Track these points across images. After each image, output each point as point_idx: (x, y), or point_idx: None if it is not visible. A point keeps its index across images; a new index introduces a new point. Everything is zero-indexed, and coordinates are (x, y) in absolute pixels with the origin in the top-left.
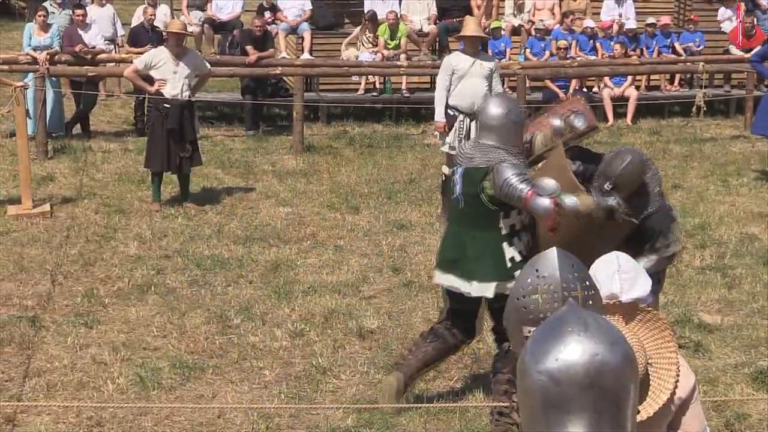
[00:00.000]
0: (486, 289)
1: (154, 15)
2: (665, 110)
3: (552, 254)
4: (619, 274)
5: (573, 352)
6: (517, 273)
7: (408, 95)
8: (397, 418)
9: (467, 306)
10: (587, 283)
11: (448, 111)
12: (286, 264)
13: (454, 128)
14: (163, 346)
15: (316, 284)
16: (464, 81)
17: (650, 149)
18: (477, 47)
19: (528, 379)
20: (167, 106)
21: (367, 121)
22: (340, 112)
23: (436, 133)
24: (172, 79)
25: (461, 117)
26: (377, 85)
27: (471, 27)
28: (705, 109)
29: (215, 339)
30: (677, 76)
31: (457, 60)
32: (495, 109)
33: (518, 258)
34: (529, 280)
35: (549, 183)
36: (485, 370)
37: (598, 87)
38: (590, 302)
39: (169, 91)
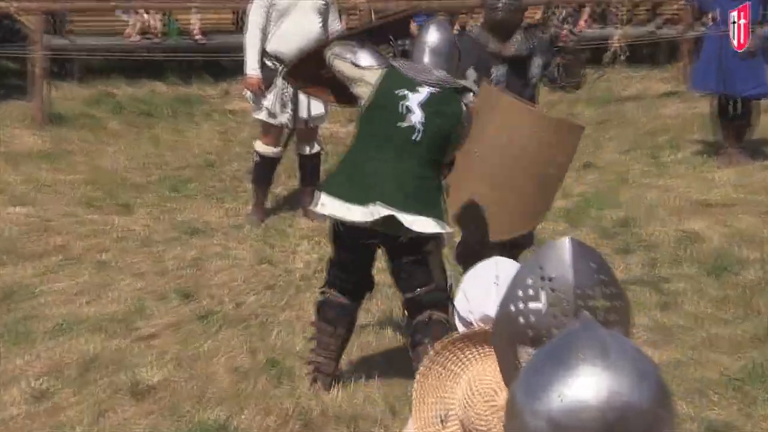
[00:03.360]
0: (424, 224)
1: None
2: None
3: (564, 246)
4: (497, 288)
5: (585, 388)
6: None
7: (202, 40)
8: None
9: (361, 255)
10: (612, 288)
11: (266, 61)
12: (23, 290)
13: (273, 86)
14: None
15: (69, 320)
16: (288, 19)
17: (551, 112)
18: None
19: (519, 423)
20: None
21: (141, 78)
22: (101, 65)
23: (247, 92)
24: None
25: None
26: (156, 27)
27: None
28: (626, 54)
29: None
30: (585, 10)
31: None
32: (440, 34)
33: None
34: (529, 282)
35: None
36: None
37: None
38: (615, 316)
39: None
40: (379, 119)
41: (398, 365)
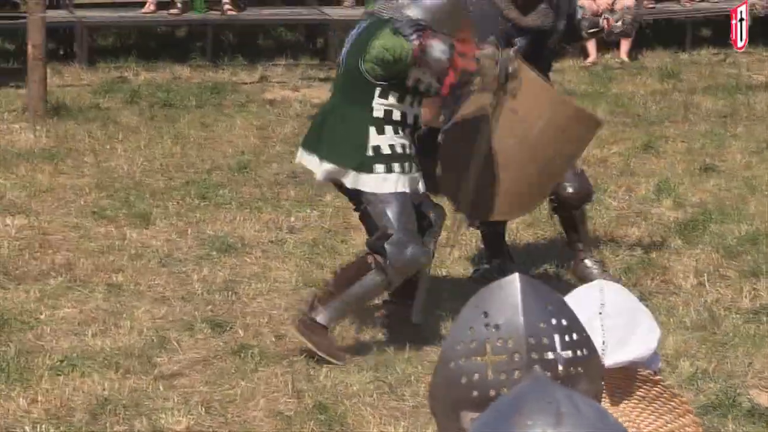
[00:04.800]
0: (337, 174)
1: None
2: (687, 34)
3: (512, 286)
4: (601, 319)
5: None
6: (380, 168)
7: (232, 11)
8: None
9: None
10: (573, 336)
11: None
12: (20, 319)
13: None
14: None
15: (76, 354)
16: None
17: (661, 104)
18: None
19: None
20: None
21: (161, 60)
22: (112, 44)
23: None
24: None
25: None
26: None
27: None
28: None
29: None
30: None
31: None
32: None
33: (386, 150)
34: (471, 331)
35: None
36: None
37: None
38: (579, 369)
39: None
40: None
41: None
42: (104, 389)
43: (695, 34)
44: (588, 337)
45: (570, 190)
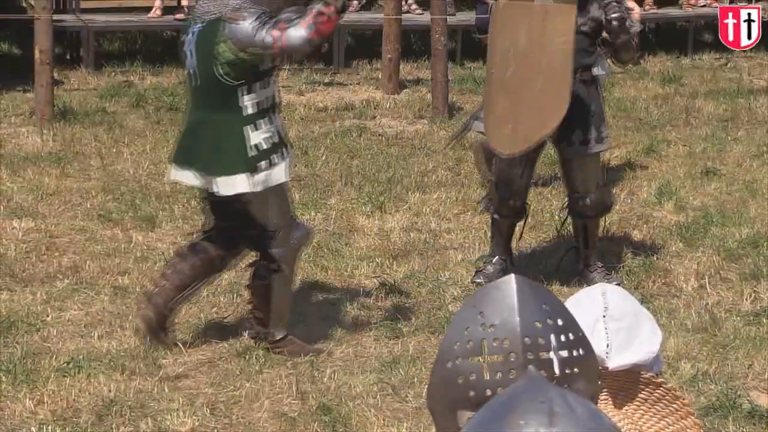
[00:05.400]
0: (228, 186)
1: None
2: (689, 39)
3: (507, 286)
4: (605, 322)
5: None
6: (264, 164)
7: None
8: None
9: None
10: (569, 336)
11: None
12: (26, 321)
13: None
14: None
15: (82, 356)
16: None
17: (662, 108)
18: None
19: None
20: None
21: (167, 64)
22: (118, 48)
23: None
24: None
25: None
26: (183, 2)
27: None
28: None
29: None
30: None
31: None
32: None
33: (266, 145)
34: (468, 331)
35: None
36: None
37: None
38: (575, 369)
39: None
40: None
41: None
42: (110, 390)
43: (697, 38)
44: (584, 337)
45: (587, 201)
